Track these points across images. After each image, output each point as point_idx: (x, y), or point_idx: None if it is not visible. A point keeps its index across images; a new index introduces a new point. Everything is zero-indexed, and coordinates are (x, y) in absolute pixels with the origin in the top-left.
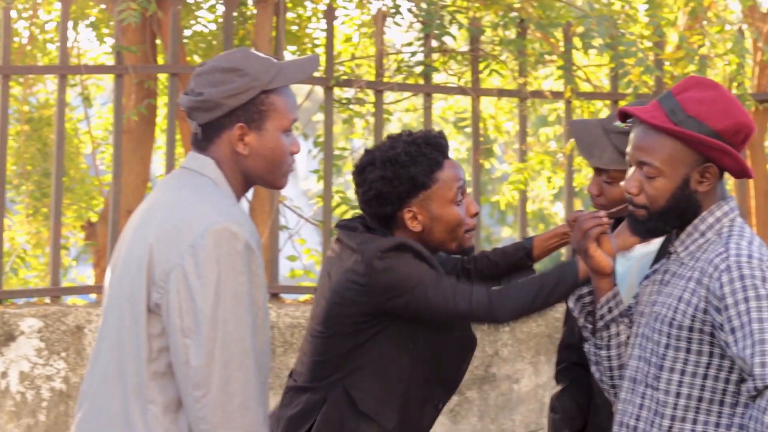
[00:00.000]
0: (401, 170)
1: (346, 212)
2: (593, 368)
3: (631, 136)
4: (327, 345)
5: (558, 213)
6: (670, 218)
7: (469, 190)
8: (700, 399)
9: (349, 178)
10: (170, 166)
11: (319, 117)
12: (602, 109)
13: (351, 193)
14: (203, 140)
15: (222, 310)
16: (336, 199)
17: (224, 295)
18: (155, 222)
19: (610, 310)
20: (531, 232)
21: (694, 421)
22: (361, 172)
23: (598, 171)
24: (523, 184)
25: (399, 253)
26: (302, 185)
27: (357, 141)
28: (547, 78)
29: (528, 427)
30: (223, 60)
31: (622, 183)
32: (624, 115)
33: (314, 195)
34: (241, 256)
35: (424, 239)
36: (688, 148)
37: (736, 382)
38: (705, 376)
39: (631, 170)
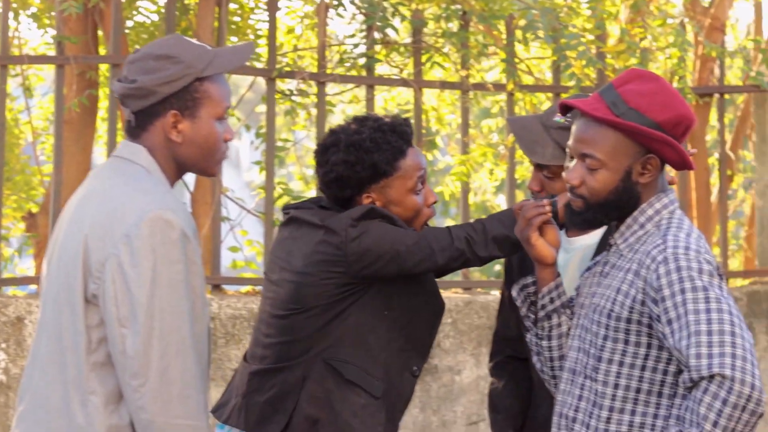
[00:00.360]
0: (365, 156)
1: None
2: (534, 358)
3: (573, 128)
4: (297, 323)
5: (501, 205)
6: (610, 210)
7: None
8: (638, 390)
9: (292, 169)
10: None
11: (262, 108)
12: (545, 102)
13: (293, 185)
14: (136, 128)
15: (158, 299)
16: (278, 190)
17: (160, 284)
18: (89, 212)
19: (551, 301)
20: None
21: (633, 412)
22: (323, 152)
23: (539, 167)
24: (465, 176)
25: (370, 219)
26: (245, 176)
27: (300, 133)
28: (491, 69)
29: (470, 418)
30: (156, 47)
31: (564, 176)
32: (565, 108)
33: (257, 186)
34: (176, 244)
35: None
36: (629, 140)
37: (674, 374)
38: (643, 368)
39: (572, 162)
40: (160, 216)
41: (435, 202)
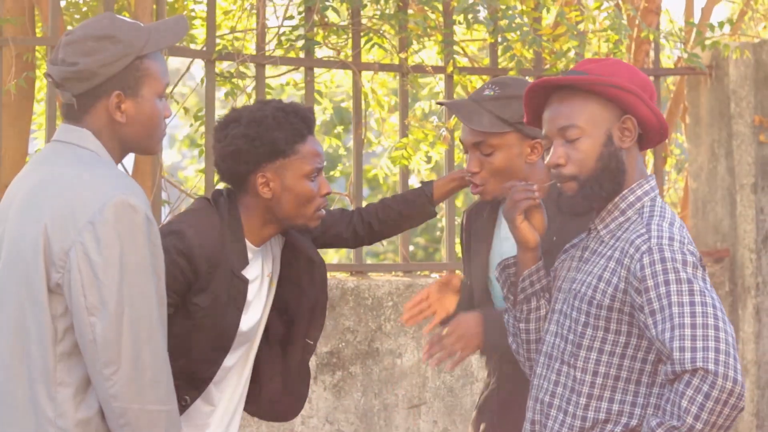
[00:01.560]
0: (264, 132)
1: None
2: (510, 339)
3: (545, 114)
4: None
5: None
6: (603, 180)
7: (350, 164)
8: (617, 378)
9: None
10: (50, 139)
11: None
12: (482, 81)
13: None
14: (78, 111)
15: (127, 285)
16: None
17: (128, 270)
18: (46, 201)
19: (531, 284)
20: None
21: (611, 400)
22: (224, 127)
23: (474, 146)
24: (407, 159)
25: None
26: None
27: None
28: (419, 51)
29: (411, 401)
30: (92, 27)
31: (498, 156)
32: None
33: (199, 170)
34: (141, 228)
35: (272, 208)
36: (604, 104)
37: (653, 362)
38: (622, 356)
39: (553, 147)
40: (124, 200)
41: (328, 194)
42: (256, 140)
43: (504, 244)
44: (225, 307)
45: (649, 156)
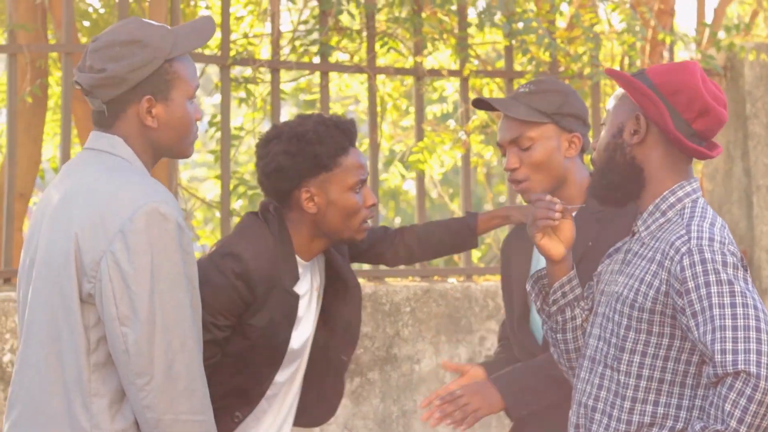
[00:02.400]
0: (306, 147)
1: (243, 194)
2: (551, 349)
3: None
4: None
5: (409, 191)
6: (606, 170)
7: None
8: (661, 381)
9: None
10: (65, 145)
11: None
12: (494, 89)
13: (248, 176)
14: (109, 117)
15: (158, 294)
16: (234, 179)
17: (160, 278)
18: (77, 210)
19: (564, 295)
20: (382, 210)
21: (656, 403)
22: (265, 144)
23: (512, 143)
24: (423, 163)
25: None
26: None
27: (254, 122)
28: (431, 53)
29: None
30: (119, 33)
31: (537, 150)
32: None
33: (216, 175)
34: (173, 236)
35: (318, 223)
36: (629, 101)
37: (697, 364)
38: (666, 358)
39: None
40: (155, 208)
41: (374, 205)
42: (298, 156)
43: (542, 258)
44: (278, 326)
45: None
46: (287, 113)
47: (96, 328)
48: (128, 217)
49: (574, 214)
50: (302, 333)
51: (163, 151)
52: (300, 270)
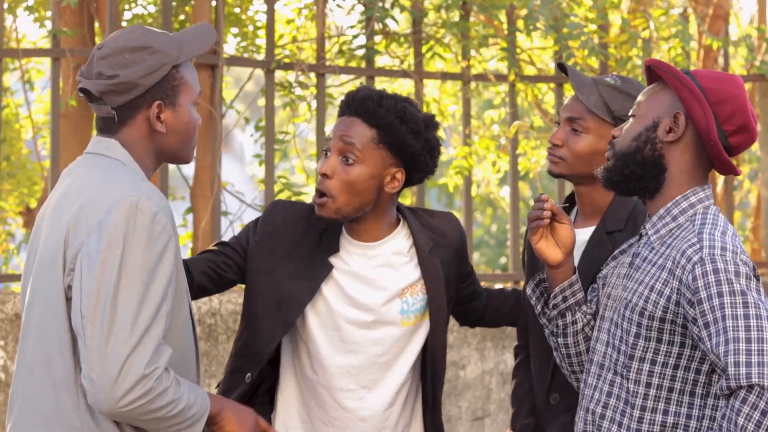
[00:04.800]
0: None
1: (289, 197)
2: (555, 354)
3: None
4: None
5: (505, 198)
6: (630, 159)
7: None
8: (671, 390)
9: (295, 162)
10: None
11: (262, 100)
12: (547, 92)
13: (295, 179)
14: (117, 123)
15: (124, 289)
16: (279, 184)
17: (128, 272)
18: (67, 209)
19: (564, 300)
20: (478, 216)
21: (666, 412)
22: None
23: (568, 120)
24: (466, 169)
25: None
26: (248, 170)
27: (300, 125)
28: (490, 59)
29: (475, 413)
30: (126, 39)
31: (586, 140)
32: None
33: (259, 180)
34: (148, 229)
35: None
36: (670, 95)
37: (708, 373)
38: (676, 367)
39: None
40: (133, 203)
41: (324, 174)
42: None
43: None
44: (291, 281)
45: None
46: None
47: None
48: (107, 210)
49: (586, 232)
50: (353, 314)
51: (167, 156)
52: (350, 247)
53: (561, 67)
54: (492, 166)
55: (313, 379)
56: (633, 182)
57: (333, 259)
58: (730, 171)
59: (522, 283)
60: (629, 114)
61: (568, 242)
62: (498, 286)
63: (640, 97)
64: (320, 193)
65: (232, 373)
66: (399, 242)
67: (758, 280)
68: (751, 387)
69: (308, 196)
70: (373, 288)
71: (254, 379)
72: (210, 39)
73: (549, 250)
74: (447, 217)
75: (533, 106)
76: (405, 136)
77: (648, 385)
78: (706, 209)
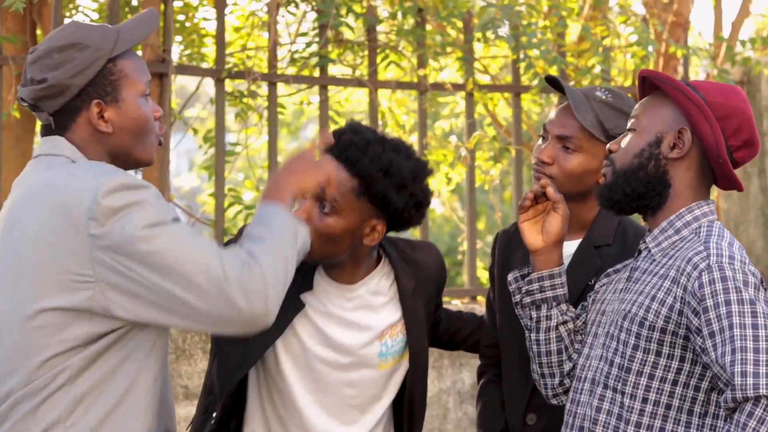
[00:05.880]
0: None
1: (239, 212)
2: (529, 354)
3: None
4: None
5: (456, 210)
6: (633, 177)
7: None
8: (668, 407)
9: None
10: None
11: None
12: (497, 103)
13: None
14: (57, 129)
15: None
16: (229, 197)
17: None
18: (26, 219)
19: (541, 289)
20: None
21: (662, 430)
22: None
23: (559, 138)
24: None
25: None
26: (174, 182)
27: (250, 137)
28: (442, 69)
29: None
30: (55, 39)
31: (578, 159)
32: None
33: (210, 194)
34: (153, 204)
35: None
36: (674, 110)
37: (707, 391)
38: (674, 382)
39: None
40: (118, 181)
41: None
42: None
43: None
44: None
45: None
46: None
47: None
48: (92, 200)
49: (570, 245)
50: (324, 353)
51: (123, 157)
52: (326, 285)
53: (551, 80)
54: (445, 178)
55: (284, 417)
56: (635, 201)
57: (307, 296)
58: (734, 186)
59: (480, 297)
60: (627, 128)
61: (552, 232)
62: (455, 302)
63: (637, 110)
64: None
65: (201, 413)
66: (379, 282)
67: (766, 291)
68: (758, 399)
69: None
70: (351, 329)
71: (220, 417)
72: (152, 25)
73: (531, 234)
74: (428, 249)
75: (484, 117)
76: (388, 191)
77: (645, 400)
78: (710, 223)
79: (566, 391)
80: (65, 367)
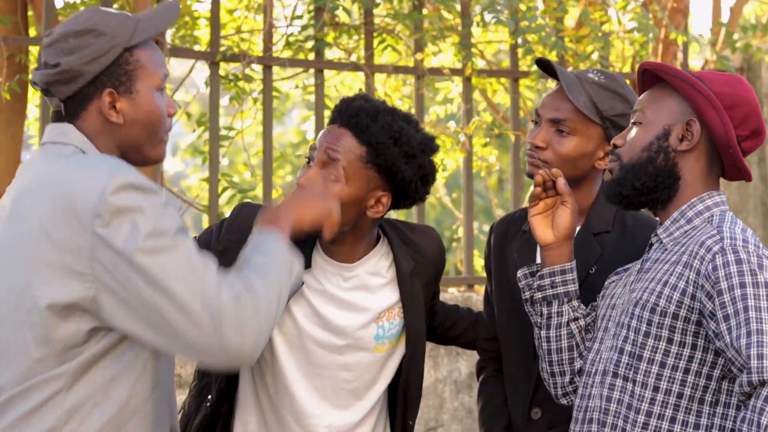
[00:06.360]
0: None
1: (233, 197)
2: (538, 352)
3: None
4: None
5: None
6: (642, 171)
7: None
8: (680, 395)
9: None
10: None
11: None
12: (499, 88)
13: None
14: (67, 116)
15: (164, 280)
16: (223, 182)
17: (161, 264)
18: (31, 208)
19: (552, 285)
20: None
21: (672, 420)
22: None
23: (552, 122)
24: None
25: None
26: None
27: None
28: (445, 52)
29: (427, 423)
30: (73, 23)
31: (573, 143)
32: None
33: (203, 179)
34: (160, 211)
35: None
36: (681, 101)
37: (718, 379)
38: (686, 370)
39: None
40: (125, 181)
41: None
42: None
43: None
44: None
45: None
46: (298, 114)
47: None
48: (98, 199)
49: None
50: (320, 335)
51: (132, 151)
52: (324, 264)
53: (542, 63)
54: (440, 165)
55: (276, 402)
56: (644, 195)
57: (304, 275)
58: (743, 177)
59: (477, 287)
60: (632, 121)
61: (562, 227)
62: (451, 290)
63: (642, 103)
64: None
65: (195, 396)
66: (377, 262)
67: None
68: None
69: (255, 198)
70: (348, 311)
71: (214, 401)
72: (173, 16)
73: (541, 228)
74: (428, 232)
75: (480, 102)
76: (397, 160)
77: (656, 389)
78: (723, 213)
79: (576, 390)
80: (60, 373)
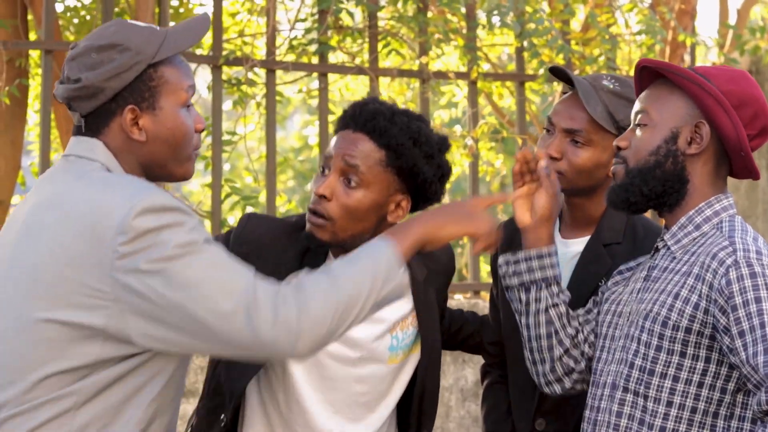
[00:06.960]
0: None
1: (237, 203)
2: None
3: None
4: None
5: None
6: (650, 176)
7: None
8: (694, 410)
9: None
10: (45, 149)
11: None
12: (504, 92)
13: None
14: (88, 131)
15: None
16: (226, 188)
17: (183, 283)
18: (48, 224)
19: (529, 270)
20: None
21: None
22: None
23: (567, 132)
24: None
25: None
26: None
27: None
28: (449, 55)
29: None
30: (97, 37)
31: (588, 153)
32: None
33: (205, 184)
34: (189, 225)
35: None
36: (688, 102)
37: (732, 392)
38: (700, 384)
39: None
40: (150, 202)
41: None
42: None
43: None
44: None
45: None
46: (300, 119)
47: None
48: (122, 218)
49: (578, 243)
50: (341, 350)
51: (156, 170)
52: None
53: (556, 71)
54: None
55: (288, 418)
56: (652, 200)
57: None
58: (751, 175)
59: (483, 293)
60: (635, 122)
61: (538, 209)
62: (457, 296)
63: (643, 103)
64: (317, 214)
65: (207, 414)
66: None
67: None
68: None
69: (258, 204)
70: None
71: (228, 420)
72: (202, 30)
73: (520, 210)
74: None
75: (485, 106)
76: (419, 161)
77: (669, 404)
78: (731, 218)
79: (559, 380)
80: (72, 391)
